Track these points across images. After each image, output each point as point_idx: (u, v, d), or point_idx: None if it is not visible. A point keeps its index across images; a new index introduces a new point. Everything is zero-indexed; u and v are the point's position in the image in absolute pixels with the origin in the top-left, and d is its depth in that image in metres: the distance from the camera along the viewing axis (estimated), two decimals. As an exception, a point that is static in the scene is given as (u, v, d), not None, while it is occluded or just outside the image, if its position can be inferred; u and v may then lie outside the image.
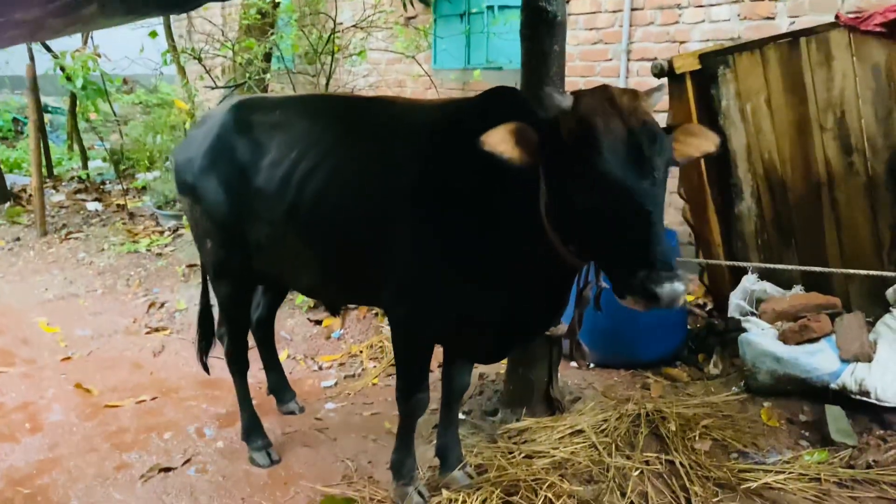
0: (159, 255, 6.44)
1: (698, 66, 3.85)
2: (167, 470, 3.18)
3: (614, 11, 5.62)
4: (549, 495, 2.75)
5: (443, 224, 2.36)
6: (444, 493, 2.84)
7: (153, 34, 5.87)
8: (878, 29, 3.25)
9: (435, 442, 3.25)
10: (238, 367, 3.29)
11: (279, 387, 3.69)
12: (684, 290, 1.79)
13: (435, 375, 4.08)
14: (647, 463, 3.01)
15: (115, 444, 3.40)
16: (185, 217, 3.95)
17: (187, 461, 3.25)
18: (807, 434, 3.20)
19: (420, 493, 2.83)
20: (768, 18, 4.71)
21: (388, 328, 4.69)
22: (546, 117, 2.06)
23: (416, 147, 2.47)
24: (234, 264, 3.01)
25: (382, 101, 2.94)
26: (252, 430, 3.29)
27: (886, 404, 3.09)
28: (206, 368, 3.50)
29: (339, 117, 2.82)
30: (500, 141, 1.98)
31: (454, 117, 2.50)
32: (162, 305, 5.35)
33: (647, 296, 1.75)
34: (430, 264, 2.41)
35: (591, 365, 3.99)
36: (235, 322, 3.23)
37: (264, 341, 3.68)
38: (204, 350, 3.48)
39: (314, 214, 2.64)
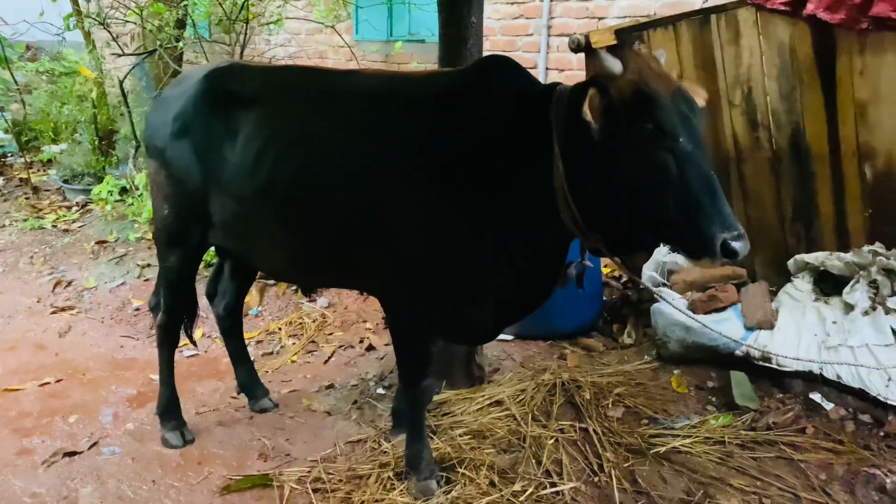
0: (66, 231, 6.13)
1: (614, 42, 3.89)
2: (72, 454, 3.04)
3: (535, -15, 5.63)
4: (465, 471, 2.77)
5: (448, 201, 2.26)
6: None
7: (53, -4, 5.51)
8: (782, 7, 3.35)
9: (355, 418, 3.29)
10: (169, 341, 3.15)
11: (250, 383, 3.44)
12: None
13: (356, 351, 4.07)
14: (562, 431, 3.07)
15: (15, 429, 3.23)
16: (147, 179, 3.60)
17: (94, 444, 3.12)
18: (713, 399, 3.33)
19: (437, 482, 2.71)
20: (683, -4, 4.80)
21: (309, 305, 4.66)
22: (544, 87, 2.11)
23: (416, 121, 2.35)
24: (190, 236, 2.88)
25: (365, 74, 2.78)
26: (169, 408, 3.17)
27: (786, 369, 3.24)
28: (193, 341, 3.45)
29: (319, 90, 2.65)
30: (592, 108, 1.93)
31: (453, 88, 2.37)
32: (69, 284, 5.10)
33: (727, 253, 1.85)
34: (437, 243, 2.30)
35: (511, 337, 4.03)
36: (176, 294, 3.08)
37: (232, 332, 3.45)
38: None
39: (293, 193, 2.49)
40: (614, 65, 1.93)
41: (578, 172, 2.05)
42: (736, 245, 1.83)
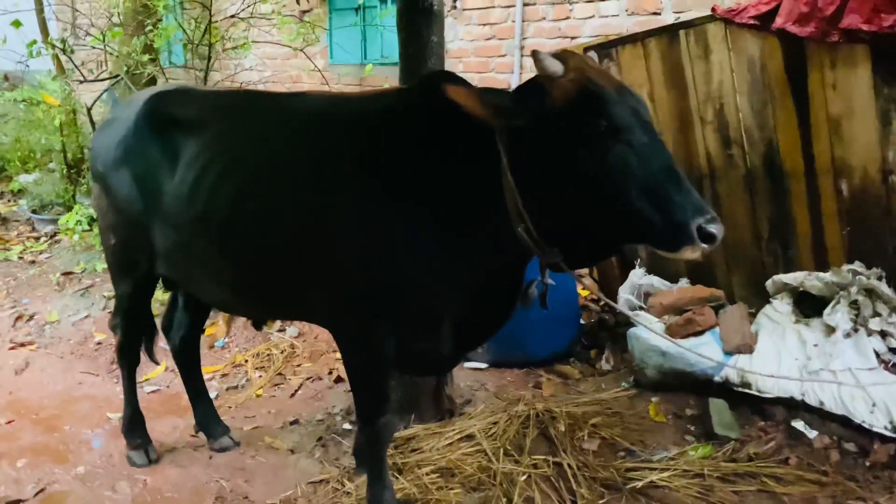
0: (32, 262, 5.96)
1: (583, 60, 3.81)
2: (16, 503, 2.87)
3: (507, 7, 5.57)
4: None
5: (391, 221, 2.16)
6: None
7: (16, 23, 5.38)
8: (751, 21, 3.28)
9: (318, 456, 3.14)
10: (128, 360, 3.14)
11: (208, 420, 3.28)
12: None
13: (324, 384, 3.92)
14: (535, 466, 2.92)
15: (-42, 476, 3.05)
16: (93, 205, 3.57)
17: (41, 491, 2.95)
18: (692, 428, 3.19)
19: None
20: (655, 14, 4.74)
21: (278, 335, 4.50)
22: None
23: (356, 140, 2.26)
24: (137, 265, 2.80)
25: (310, 95, 2.72)
26: (133, 426, 3.15)
27: (767, 395, 3.11)
28: (154, 360, 3.40)
29: (260, 113, 2.57)
30: (465, 95, 1.96)
31: (396, 106, 2.32)
32: (31, 318, 4.92)
33: (705, 238, 1.77)
34: (383, 265, 2.18)
35: (485, 365, 3.90)
36: (131, 319, 3.05)
37: (188, 366, 3.30)
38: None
39: (232, 219, 2.39)
40: (554, 65, 1.87)
41: (530, 182, 1.95)
42: (712, 228, 1.77)
